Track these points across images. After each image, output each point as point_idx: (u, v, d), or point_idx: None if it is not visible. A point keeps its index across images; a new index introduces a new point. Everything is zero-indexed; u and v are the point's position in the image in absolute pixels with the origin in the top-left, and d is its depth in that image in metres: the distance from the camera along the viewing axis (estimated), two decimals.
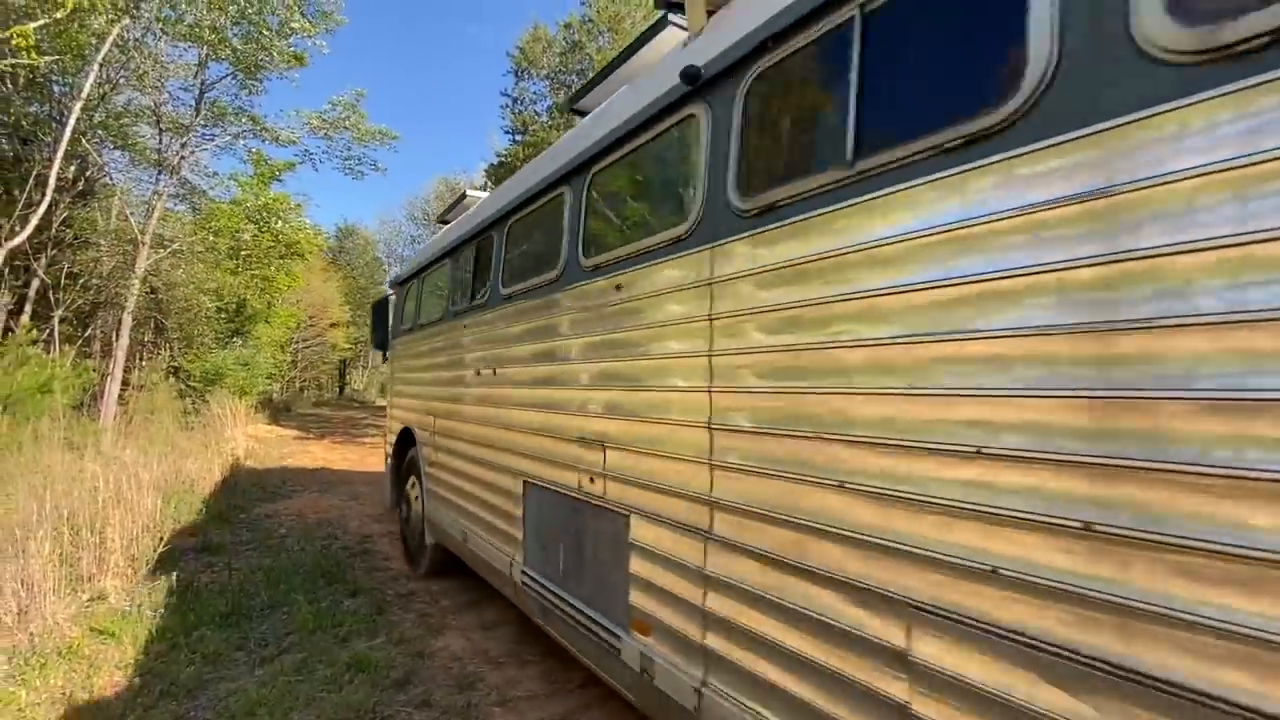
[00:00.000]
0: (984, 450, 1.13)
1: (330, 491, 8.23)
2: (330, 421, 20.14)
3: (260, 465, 9.81)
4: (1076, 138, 1.04)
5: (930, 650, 1.21)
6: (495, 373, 3.33)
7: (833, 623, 1.41)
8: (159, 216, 13.03)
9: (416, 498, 4.86)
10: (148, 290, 13.63)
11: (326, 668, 3.17)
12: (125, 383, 12.61)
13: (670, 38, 2.35)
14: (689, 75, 1.95)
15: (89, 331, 14.02)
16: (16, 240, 9.98)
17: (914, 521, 1.25)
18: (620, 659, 2.18)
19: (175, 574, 4.26)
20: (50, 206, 10.65)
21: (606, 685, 2.37)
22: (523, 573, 2.96)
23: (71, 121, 10.17)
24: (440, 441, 4.26)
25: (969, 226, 1.17)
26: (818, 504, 1.46)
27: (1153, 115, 0.95)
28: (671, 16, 2.31)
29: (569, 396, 2.58)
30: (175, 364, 15.00)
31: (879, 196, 1.35)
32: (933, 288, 1.23)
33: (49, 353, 11.11)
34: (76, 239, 12.73)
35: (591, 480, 2.39)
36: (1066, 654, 1.02)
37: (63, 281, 12.60)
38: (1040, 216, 1.07)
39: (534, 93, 21.21)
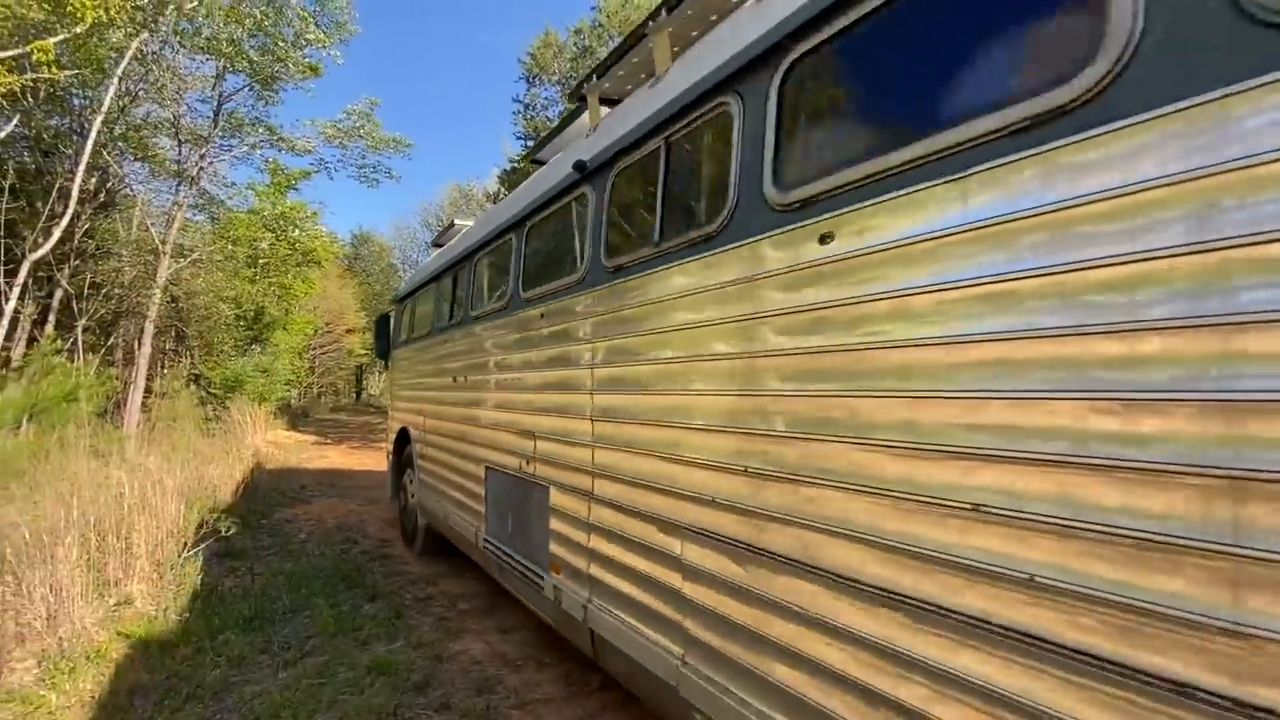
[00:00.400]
0: (714, 427, 1.85)
1: (348, 496, 8.32)
2: (347, 426, 20.35)
3: (280, 470, 9.93)
4: (738, 246, 1.79)
5: (693, 554, 1.91)
6: (467, 379, 4.04)
7: (641, 541, 2.16)
8: (179, 226, 13.24)
9: (412, 491, 5.51)
10: (168, 299, 13.85)
11: (348, 670, 3.20)
12: (148, 390, 12.81)
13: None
14: (578, 166, 2.68)
15: (112, 340, 14.26)
16: (40, 252, 10.20)
17: (682, 472, 1.97)
18: (543, 593, 2.89)
19: (199, 578, 4.32)
20: (73, 218, 10.87)
21: (534, 614, 3.22)
22: (485, 540, 3.65)
23: (92, 134, 10.36)
24: (428, 438, 5.03)
25: (699, 293, 1.93)
26: (628, 463, 2.25)
27: (767, 236, 1.69)
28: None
29: (514, 398, 3.29)
30: (196, 371, 15.21)
31: (669, 267, 2.08)
32: (694, 327, 1.95)
33: (73, 362, 11.31)
34: (98, 249, 12.97)
35: (528, 463, 3.07)
36: (759, 551, 1.67)
37: (85, 291, 12.85)
38: (725, 290, 1.82)
39: (545, 98, 21.30)
